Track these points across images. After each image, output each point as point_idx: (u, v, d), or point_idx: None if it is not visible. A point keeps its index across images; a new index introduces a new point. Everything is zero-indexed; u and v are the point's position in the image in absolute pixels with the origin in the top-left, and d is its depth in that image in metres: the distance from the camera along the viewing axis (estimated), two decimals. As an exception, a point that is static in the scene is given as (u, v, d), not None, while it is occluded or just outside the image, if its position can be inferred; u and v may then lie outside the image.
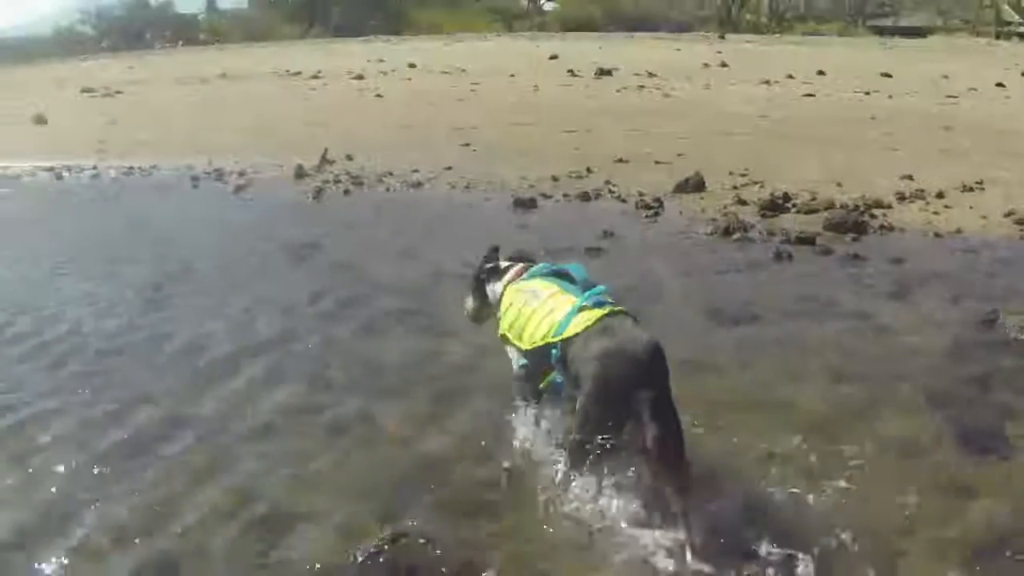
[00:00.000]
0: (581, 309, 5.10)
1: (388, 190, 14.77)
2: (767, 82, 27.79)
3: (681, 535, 4.50)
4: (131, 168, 18.32)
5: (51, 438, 6.09)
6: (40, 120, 26.23)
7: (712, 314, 8.14)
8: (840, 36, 58.77)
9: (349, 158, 17.08)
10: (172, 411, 6.50)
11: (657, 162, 14.97)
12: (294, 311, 8.71)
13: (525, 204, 12.82)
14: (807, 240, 10.61)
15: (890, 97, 23.78)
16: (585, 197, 13.19)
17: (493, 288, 6.03)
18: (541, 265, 5.91)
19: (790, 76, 29.13)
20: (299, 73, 37.09)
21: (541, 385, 5.45)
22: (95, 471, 5.63)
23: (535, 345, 5.32)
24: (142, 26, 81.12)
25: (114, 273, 10.54)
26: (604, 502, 4.76)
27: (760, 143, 16.40)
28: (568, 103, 23.13)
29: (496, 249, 6.23)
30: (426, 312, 8.40)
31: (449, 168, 15.53)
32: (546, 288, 5.52)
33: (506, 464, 5.40)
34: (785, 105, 22.13)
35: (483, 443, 5.79)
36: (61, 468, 5.67)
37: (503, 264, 6.10)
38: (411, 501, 5.15)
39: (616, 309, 5.08)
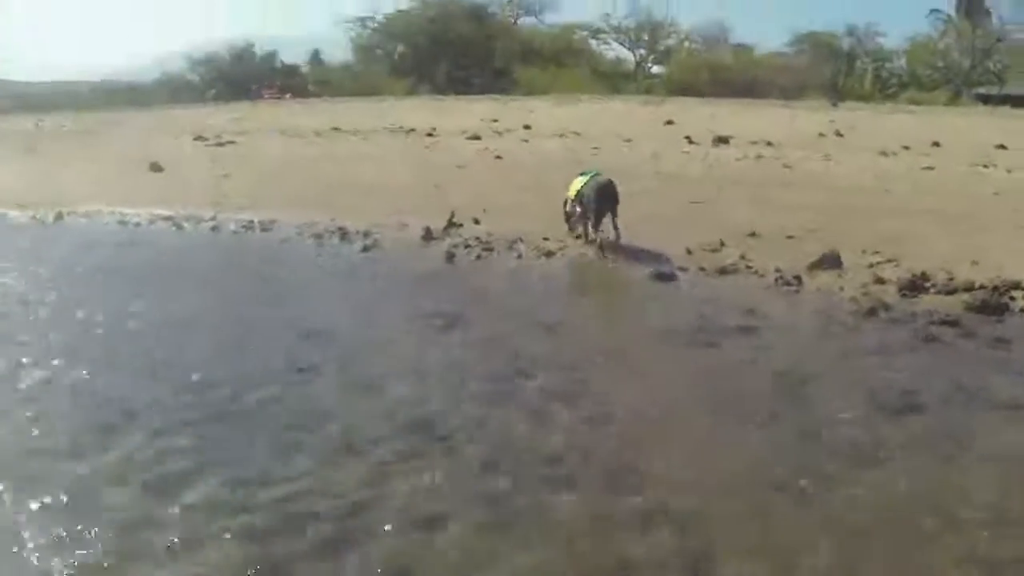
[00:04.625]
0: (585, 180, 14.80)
1: (520, 257, 14.81)
2: (884, 153, 27.48)
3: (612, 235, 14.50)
4: (251, 222, 18.45)
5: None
6: (156, 167, 26.69)
7: (873, 402, 8.10)
8: (946, 105, 57.87)
9: (476, 222, 16.98)
10: (314, 495, 6.53)
11: (789, 236, 14.89)
12: (449, 388, 8.62)
13: (664, 277, 12.91)
14: (951, 323, 10.55)
15: (1009, 171, 23.44)
16: (723, 272, 13.20)
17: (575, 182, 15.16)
18: (585, 171, 15.37)
19: (906, 147, 28.69)
20: (413, 130, 37.11)
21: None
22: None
23: (573, 194, 15.05)
24: (249, 76, 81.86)
25: (247, 339, 10.54)
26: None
27: (888, 218, 16.21)
28: (690, 173, 23.08)
29: (583, 172, 15.39)
30: (587, 395, 8.35)
31: (578, 237, 15.49)
32: (581, 177, 15.00)
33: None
34: (906, 178, 21.88)
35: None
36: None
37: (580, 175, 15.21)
38: None
39: (596, 173, 15.03)
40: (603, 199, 14.41)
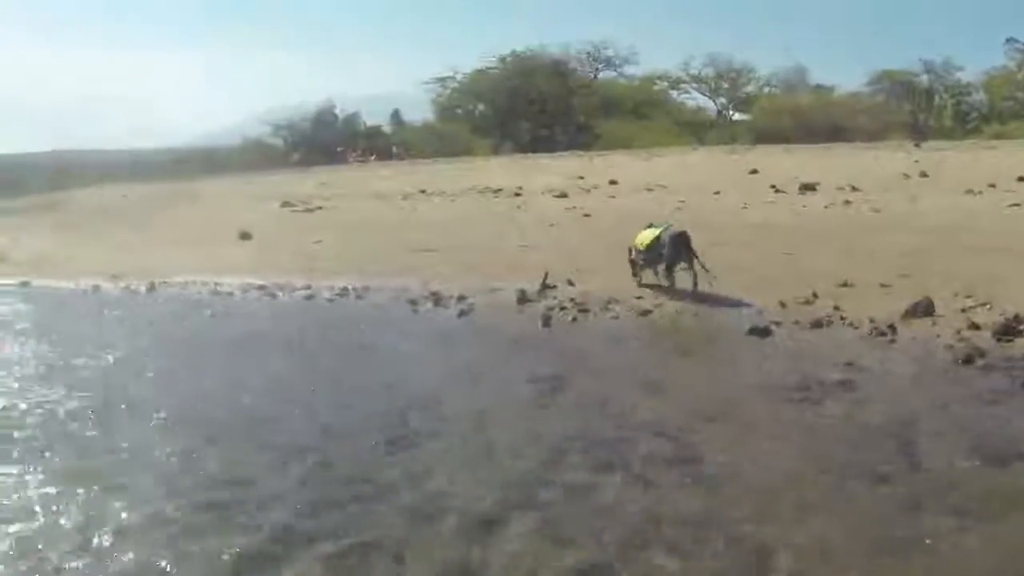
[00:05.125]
0: (656, 232, 16.31)
1: (616, 317, 14.94)
2: (971, 192, 27.37)
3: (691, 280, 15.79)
4: (345, 289, 18.73)
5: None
6: (245, 236, 27.27)
7: (979, 453, 8.09)
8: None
9: (570, 283, 17.12)
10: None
11: (882, 284, 14.94)
12: (557, 457, 8.61)
13: (760, 332, 13.05)
14: (1051, 366, 10.57)
15: (1099, 202, 23.32)
16: (817, 324, 13.25)
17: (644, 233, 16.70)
18: (652, 224, 16.93)
19: (991, 185, 28.52)
20: (500, 190, 37.32)
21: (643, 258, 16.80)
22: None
23: (647, 244, 16.44)
24: (333, 139, 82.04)
25: (353, 404, 10.79)
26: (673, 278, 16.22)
27: (979, 259, 16.23)
28: (779, 222, 23.16)
29: (650, 225, 17.01)
30: (696, 458, 8.42)
31: (642, 284, 16.15)
32: (650, 230, 16.55)
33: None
34: (994, 217, 21.86)
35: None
36: None
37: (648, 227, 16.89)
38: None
39: (668, 225, 16.52)
40: (678, 247, 15.77)
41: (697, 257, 15.70)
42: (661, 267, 16.32)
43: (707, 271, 15.57)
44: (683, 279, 15.93)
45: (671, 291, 15.91)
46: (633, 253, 16.94)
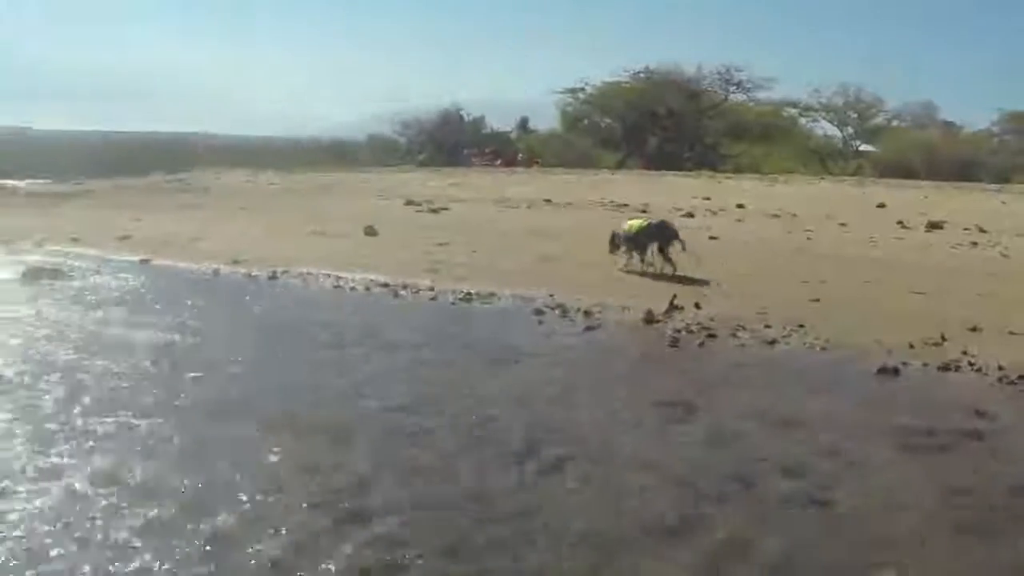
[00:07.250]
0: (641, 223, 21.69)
1: (743, 346, 14.90)
2: (1103, 245, 26.90)
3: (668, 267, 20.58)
4: (469, 294, 18.84)
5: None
6: (370, 231, 27.53)
7: None
8: None
9: (697, 306, 17.11)
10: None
11: (1011, 332, 14.87)
12: (688, 490, 8.68)
13: (889, 372, 13.07)
14: None
15: None
16: (946, 368, 13.23)
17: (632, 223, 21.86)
18: (633, 217, 23.42)
19: None
20: (626, 206, 37.09)
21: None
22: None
23: (633, 231, 21.24)
24: (457, 140, 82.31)
25: (480, 424, 10.55)
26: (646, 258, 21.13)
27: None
28: (905, 259, 22.99)
29: (633, 217, 24.09)
30: (830, 499, 8.48)
31: (801, 326, 15.64)
32: (636, 218, 22.50)
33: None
34: None
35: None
36: None
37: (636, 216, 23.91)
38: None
39: (655, 220, 22.28)
40: (664, 232, 20.90)
41: (681, 240, 20.48)
42: (647, 251, 21.10)
43: (686, 251, 20.23)
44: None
45: (800, 322, 15.85)
46: (616, 238, 21.72)
